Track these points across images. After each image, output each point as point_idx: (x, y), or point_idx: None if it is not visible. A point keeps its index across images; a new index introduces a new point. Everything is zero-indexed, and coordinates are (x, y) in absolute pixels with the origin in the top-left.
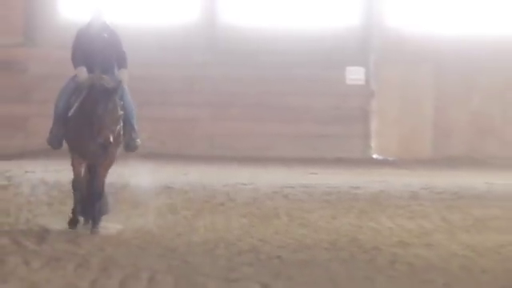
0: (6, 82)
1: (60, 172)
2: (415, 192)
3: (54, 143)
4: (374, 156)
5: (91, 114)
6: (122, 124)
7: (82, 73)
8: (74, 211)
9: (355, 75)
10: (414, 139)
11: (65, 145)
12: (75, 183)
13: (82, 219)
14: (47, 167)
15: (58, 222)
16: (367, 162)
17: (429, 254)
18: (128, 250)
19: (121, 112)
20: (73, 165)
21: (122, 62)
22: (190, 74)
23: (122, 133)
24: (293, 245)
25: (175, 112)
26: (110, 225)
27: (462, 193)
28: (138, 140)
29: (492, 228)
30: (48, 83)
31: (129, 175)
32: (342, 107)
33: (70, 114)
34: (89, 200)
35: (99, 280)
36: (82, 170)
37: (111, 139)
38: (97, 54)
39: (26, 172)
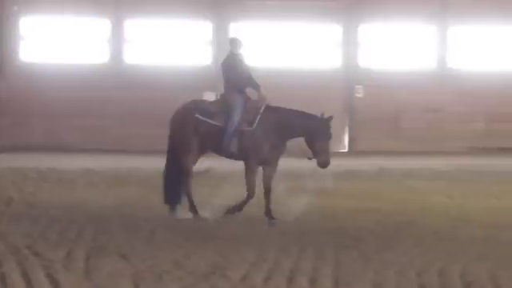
0: None
1: None
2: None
3: (227, 150)
4: None
5: (282, 131)
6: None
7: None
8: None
9: (209, 97)
10: None
11: None
12: (254, 183)
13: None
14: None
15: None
16: None
17: (259, 210)
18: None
19: None
20: (253, 170)
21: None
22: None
23: None
24: None
25: (98, 120)
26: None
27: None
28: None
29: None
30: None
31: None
32: None
33: (249, 129)
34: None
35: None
36: None
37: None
38: (246, 77)
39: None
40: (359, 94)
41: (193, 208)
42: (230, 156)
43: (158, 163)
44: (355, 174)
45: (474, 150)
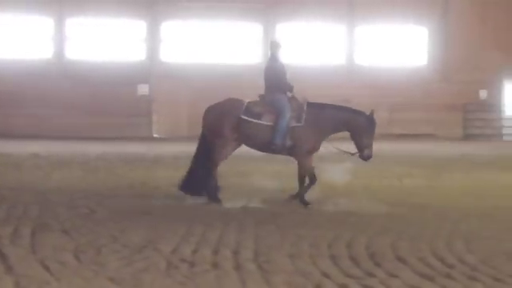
0: None
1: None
2: (177, 155)
3: (281, 147)
4: (155, 135)
5: (330, 126)
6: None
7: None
8: (303, 192)
9: (143, 89)
10: (177, 125)
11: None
12: (311, 171)
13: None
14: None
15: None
16: (151, 139)
17: None
18: (77, 197)
19: None
20: (309, 162)
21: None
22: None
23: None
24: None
25: (42, 110)
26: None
27: None
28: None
29: (220, 175)
30: None
31: None
32: (137, 108)
33: (299, 125)
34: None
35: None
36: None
37: None
38: (287, 80)
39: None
40: None
41: (215, 198)
42: (280, 152)
43: (96, 148)
44: (275, 158)
45: (379, 136)
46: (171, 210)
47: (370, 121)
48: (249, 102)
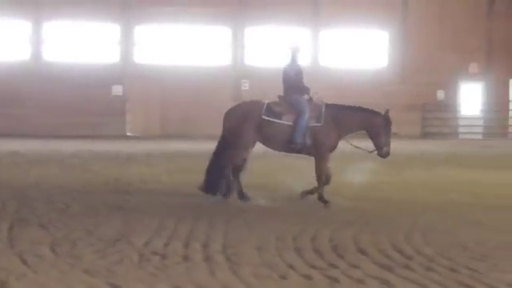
0: None
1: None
2: (150, 153)
3: (301, 146)
4: (128, 134)
5: (348, 127)
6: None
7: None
8: (321, 191)
9: (117, 90)
10: (149, 124)
11: None
12: (327, 172)
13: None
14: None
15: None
16: (124, 137)
17: (157, 186)
18: (53, 193)
19: None
20: (327, 159)
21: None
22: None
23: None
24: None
25: (20, 110)
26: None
27: (177, 153)
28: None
29: (191, 171)
30: None
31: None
32: (111, 108)
33: (318, 125)
34: None
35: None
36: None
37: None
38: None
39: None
40: (245, 87)
41: (241, 194)
42: (299, 151)
43: (72, 146)
44: None
45: None
46: (144, 205)
47: (386, 120)
48: (269, 103)
